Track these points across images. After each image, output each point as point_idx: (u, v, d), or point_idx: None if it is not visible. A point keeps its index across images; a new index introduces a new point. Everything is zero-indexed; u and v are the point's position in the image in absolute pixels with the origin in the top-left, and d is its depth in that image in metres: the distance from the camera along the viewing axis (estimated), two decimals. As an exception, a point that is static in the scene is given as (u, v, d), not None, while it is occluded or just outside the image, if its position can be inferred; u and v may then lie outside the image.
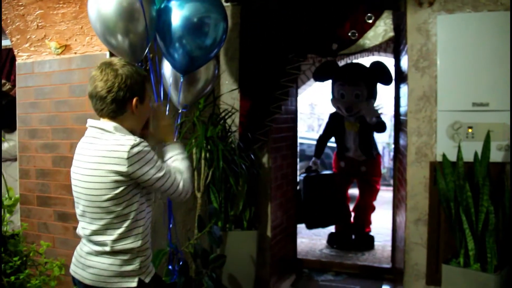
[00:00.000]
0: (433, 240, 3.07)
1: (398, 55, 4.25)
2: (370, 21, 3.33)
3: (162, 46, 2.66)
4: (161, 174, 1.86)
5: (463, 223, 2.68)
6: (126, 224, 1.83)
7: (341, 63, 5.85)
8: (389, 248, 4.96)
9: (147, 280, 1.91)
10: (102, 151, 1.80)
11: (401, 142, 3.88)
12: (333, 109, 5.52)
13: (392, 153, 6.89)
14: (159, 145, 2.09)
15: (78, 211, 1.92)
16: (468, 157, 2.76)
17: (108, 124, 1.86)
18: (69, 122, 3.05)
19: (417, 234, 3.13)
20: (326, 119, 5.79)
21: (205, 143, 3.40)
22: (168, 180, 1.89)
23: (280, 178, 4.29)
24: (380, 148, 6.83)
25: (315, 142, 5.82)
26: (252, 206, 3.76)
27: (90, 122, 1.92)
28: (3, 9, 3.10)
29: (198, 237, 3.23)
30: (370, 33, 3.37)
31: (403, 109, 3.63)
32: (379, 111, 5.34)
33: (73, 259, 1.97)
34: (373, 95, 5.24)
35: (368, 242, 5.39)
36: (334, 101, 5.37)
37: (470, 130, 2.95)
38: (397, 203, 4.19)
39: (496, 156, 2.89)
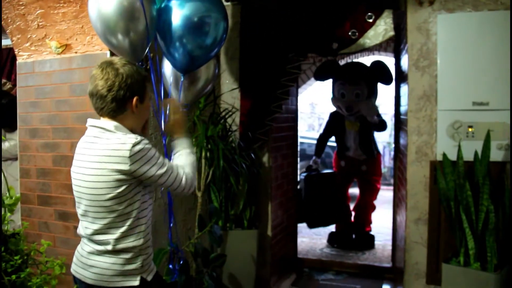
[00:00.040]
0: (433, 239, 3.07)
1: (399, 55, 4.25)
2: (370, 20, 3.33)
3: (162, 46, 2.67)
4: (163, 170, 1.87)
5: (463, 222, 2.68)
6: (128, 222, 1.84)
7: (341, 62, 5.85)
8: (389, 247, 4.96)
9: (149, 278, 1.92)
10: (104, 150, 1.80)
11: (402, 141, 3.88)
12: (334, 108, 5.52)
13: (392, 153, 6.88)
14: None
15: (79, 210, 1.92)
16: (468, 156, 2.76)
17: (108, 123, 1.86)
18: (70, 122, 3.06)
19: (417, 233, 3.13)
20: (326, 118, 5.79)
21: (205, 142, 3.41)
22: (171, 175, 1.91)
23: (281, 177, 4.29)
24: (380, 147, 6.84)
25: (315, 142, 5.83)
26: (253, 205, 3.76)
27: (90, 121, 1.92)
28: (3, 9, 3.11)
29: (199, 236, 3.24)
30: (370, 33, 3.36)
31: (403, 108, 3.63)
32: (378, 110, 5.35)
33: (74, 259, 1.97)
34: (373, 94, 5.24)
35: (368, 242, 5.40)
36: (335, 100, 5.37)
37: (470, 129, 2.95)
38: (398, 202, 4.19)
39: (496, 155, 2.89)
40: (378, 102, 5.44)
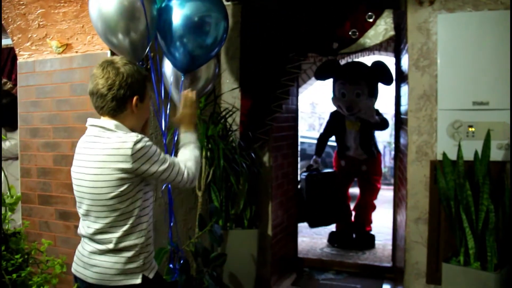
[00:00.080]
0: (433, 239, 3.08)
1: (399, 54, 4.26)
2: (371, 20, 3.33)
3: (163, 45, 2.67)
4: (165, 166, 1.89)
5: (463, 221, 2.69)
6: (130, 221, 1.85)
7: (342, 62, 5.85)
8: (389, 247, 4.96)
9: (151, 275, 1.93)
10: (105, 150, 1.80)
11: (402, 141, 3.89)
12: (334, 108, 5.52)
13: (393, 152, 6.89)
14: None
15: (81, 210, 1.92)
16: (468, 156, 2.76)
17: (109, 122, 1.87)
18: (70, 121, 3.06)
19: (417, 233, 3.13)
20: (327, 118, 5.80)
21: (205, 142, 3.41)
22: (173, 170, 1.92)
23: (281, 177, 4.30)
24: (381, 147, 6.85)
25: (316, 141, 5.83)
26: (253, 205, 3.77)
27: (91, 121, 1.92)
28: (4, 8, 3.11)
29: (199, 236, 3.24)
30: (371, 32, 3.36)
31: (403, 108, 3.63)
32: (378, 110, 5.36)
33: (75, 258, 1.98)
34: (374, 94, 5.25)
35: (368, 241, 5.40)
36: (335, 100, 5.37)
37: (470, 129, 2.95)
38: (398, 202, 4.19)
39: (496, 155, 2.89)
40: (377, 102, 5.43)
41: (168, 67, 2.86)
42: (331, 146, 6.99)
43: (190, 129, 2.20)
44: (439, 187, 2.84)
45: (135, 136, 1.81)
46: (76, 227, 2.03)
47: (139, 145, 1.79)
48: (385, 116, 5.47)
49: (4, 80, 4.36)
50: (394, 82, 4.78)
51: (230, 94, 3.95)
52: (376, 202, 5.63)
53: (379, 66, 5.10)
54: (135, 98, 1.87)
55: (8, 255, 2.16)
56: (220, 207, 3.58)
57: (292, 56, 3.59)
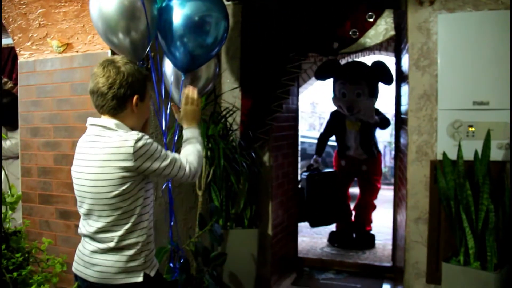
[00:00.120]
0: (433, 239, 3.08)
1: (399, 54, 4.26)
2: (371, 20, 3.33)
3: (163, 45, 2.67)
4: (167, 162, 1.90)
5: (463, 221, 2.69)
6: (132, 219, 1.85)
7: (342, 62, 5.85)
8: (389, 246, 4.96)
9: (152, 273, 1.93)
10: (106, 149, 1.81)
11: (402, 140, 3.89)
12: (335, 108, 5.53)
13: (393, 152, 6.89)
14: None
15: (82, 210, 1.92)
16: (468, 155, 2.77)
17: (109, 121, 1.87)
18: (71, 120, 3.06)
19: (417, 233, 3.14)
20: (327, 117, 5.80)
21: (206, 141, 3.41)
22: (175, 166, 1.93)
23: (281, 176, 4.30)
24: (381, 147, 6.85)
25: (316, 141, 5.84)
26: (253, 204, 3.77)
27: (91, 120, 1.93)
28: (5, 8, 3.12)
29: (199, 235, 3.24)
30: (371, 32, 3.36)
31: (403, 107, 3.63)
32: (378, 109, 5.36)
33: (76, 258, 1.98)
34: (374, 93, 5.25)
35: (369, 241, 5.40)
36: (336, 100, 5.38)
37: (470, 129, 2.95)
38: (398, 202, 4.20)
39: (497, 154, 2.89)
40: (378, 104, 5.44)
41: (168, 67, 2.87)
42: (332, 146, 7.00)
43: (192, 125, 2.21)
44: (439, 187, 2.84)
45: (135, 134, 1.82)
46: (77, 226, 2.03)
47: (140, 143, 1.80)
48: (385, 115, 5.47)
49: (4, 79, 4.37)
50: (394, 82, 4.78)
51: (231, 94, 3.96)
52: (376, 201, 5.64)
53: (380, 66, 5.10)
54: (135, 97, 1.88)
55: (9, 253, 2.17)
56: (220, 206, 3.58)
57: (293, 55, 3.60)
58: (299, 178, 5.17)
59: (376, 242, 5.46)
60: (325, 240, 5.63)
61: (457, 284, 2.70)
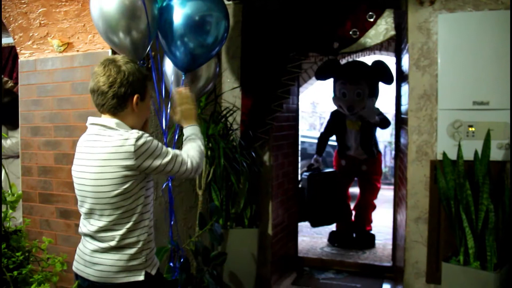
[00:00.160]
0: (433, 238, 3.08)
1: (399, 54, 4.26)
2: (371, 20, 3.33)
3: (164, 44, 2.68)
4: (168, 158, 1.90)
5: (463, 221, 2.69)
6: (134, 218, 1.86)
7: (342, 61, 5.85)
8: (390, 246, 4.97)
9: (153, 272, 1.94)
10: (107, 148, 1.81)
11: (402, 140, 3.89)
12: (335, 107, 5.53)
13: (393, 152, 6.90)
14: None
15: (83, 209, 1.92)
16: (468, 155, 2.77)
17: (110, 120, 1.88)
18: (72, 120, 3.07)
19: (417, 232, 3.14)
20: (327, 117, 5.81)
21: (206, 141, 3.42)
22: (176, 161, 1.93)
23: (281, 176, 4.30)
24: (381, 146, 6.85)
25: (316, 141, 5.84)
26: (253, 204, 3.77)
27: (91, 119, 1.93)
28: (6, 7, 3.12)
29: (199, 235, 3.24)
30: (371, 32, 3.36)
31: (404, 107, 3.64)
32: (379, 110, 5.36)
33: (76, 257, 1.98)
34: (374, 93, 5.25)
35: (369, 241, 5.40)
36: (336, 99, 5.38)
37: (470, 129, 2.95)
38: (398, 202, 4.20)
39: (497, 154, 2.89)
40: (379, 104, 5.44)
41: (169, 66, 2.87)
42: (332, 146, 7.00)
43: (191, 122, 2.22)
44: (439, 186, 2.84)
45: (136, 132, 1.82)
46: (77, 225, 2.03)
47: (141, 141, 1.80)
48: (386, 115, 5.47)
49: (5, 78, 4.37)
50: (394, 82, 4.78)
51: (231, 93, 3.96)
52: (376, 201, 5.64)
53: (380, 65, 5.11)
54: (135, 97, 1.88)
55: (9, 252, 2.17)
56: (220, 206, 3.58)
57: (293, 55, 3.60)
58: (299, 178, 5.17)
59: (376, 242, 5.46)
60: (325, 240, 5.64)
61: (457, 284, 2.71)
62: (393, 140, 8.37)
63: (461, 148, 2.78)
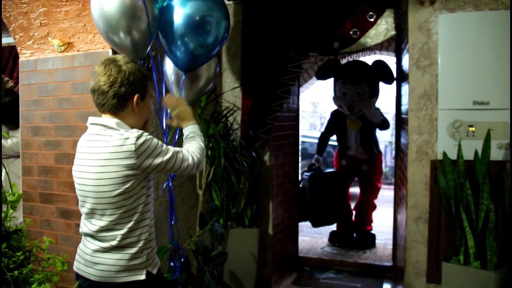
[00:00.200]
0: (433, 238, 3.08)
1: (400, 54, 4.26)
2: (372, 20, 3.34)
3: (164, 44, 2.68)
4: (169, 155, 1.90)
5: (463, 221, 2.69)
6: (135, 217, 1.86)
7: (343, 61, 5.86)
8: (390, 246, 4.97)
9: (154, 271, 1.94)
10: (108, 147, 1.81)
11: (402, 140, 3.89)
12: (336, 107, 5.53)
13: (394, 152, 6.91)
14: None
15: (84, 209, 1.93)
16: (468, 155, 2.77)
17: (110, 120, 1.88)
18: (72, 120, 3.07)
19: (417, 232, 3.14)
20: (328, 117, 5.81)
21: (207, 140, 3.42)
22: (177, 158, 1.94)
23: (282, 176, 4.30)
24: (382, 146, 6.85)
25: (317, 141, 5.85)
26: (254, 204, 3.77)
27: (92, 119, 1.93)
28: (6, 7, 3.12)
29: (200, 235, 3.25)
30: (372, 32, 3.36)
31: (404, 107, 3.64)
32: (381, 111, 5.36)
33: (77, 257, 1.99)
34: (375, 93, 5.25)
35: (369, 240, 5.40)
36: (336, 99, 5.38)
37: (470, 129, 2.96)
38: (398, 201, 4.20)
39: (497, 154, 2.89)
40: (379, 103, 5.44)
41: (169, 66, 2.87)
42: (332, 146, 7.01)
43: (189, 122, 2.22)
44: (439, 186, 2.84)
45: (136, 132, 1.83)
46: (77, 225, 2.04)
47: (141, 140, 1.81)
48: (386, 115, 5.47)
49: (5, 78, 4.37)
50: (394, 82, 4.78)
51: (231, 93, 3.96)
52: (376, 201, 5.64)
53: (380, 65, 5.11)
54: (136, 96, 1.89)
55: (10, 252, 2.17)
56: (221, 206, 3.58)
57: (293, 55, 3.60)
58: (299, 178, 5.17)
59: (377, 241, 5.46)
60: (325, 240, 5.64)
61: (457, 284, 2.71)
62: (393, 140, 8.38)
63: (461, 148, 2.78)
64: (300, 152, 5.71)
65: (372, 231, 5.55)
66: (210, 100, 3.62)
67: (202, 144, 2.12)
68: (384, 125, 5.35)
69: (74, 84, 3.06)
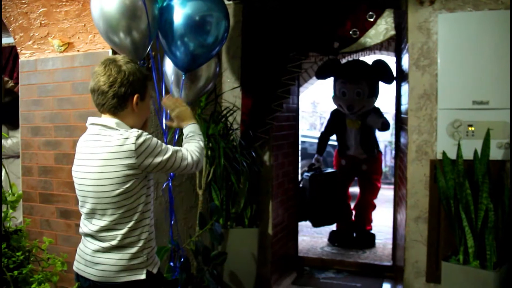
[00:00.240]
0: (433, 238, 3.08)
1: (399, 54, 4.26)
2: (371, 20, 3.34)
3: (164, 44, 2.68)
4: (169, 154, 1.91)
5: (463, 220, 2.69)
6: (135, 217, 1.87)
7: (342, 61, 5.86)
8: (390, 246, 4.97)
9: (154, 270, 1.95)
10: (108, 147, 1.82)
11: (402, 140, 3.90)
12: (335, 107, 5.53)
13: (394, 151, 6.91)
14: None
15: (84, 209, 1.93)
16: (468, 155, 2.77)
17: (110, 120, 1.88)
18: (72, 120, 3.07)
19: (417, 232, 3.14)
20: (328, 117, 5.81)
21: (206, 140, 3.42)
22: (177, 157, 1.94)
23: (281, 176, 4.30)
24: (382, 146, 6.85)
25: (317, 141, 5.85)
26: (253, 203, 3.77)
27: (91, 120, 1.94)
28: (6, 7, 3.12)
29: (200, 235, 3.25)
30: (371, 32, 3.37)
31: (404, 107, 3.64)
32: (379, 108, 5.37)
33: (77, 257, 1.98)
34: (374, 93, 5.25)
35: (369, 240, 5.41)
36: (336, 99, 5.38)
37: (470, 128, 2.96)
38: (398, 201, 4.20)
39: (496, 154, 2.90)
40: (379, 103, 5.44)
41: (169, 66, 2.88)
42: (332, 146, 7.01)
43: (189, 122, 2.23)
44: (439, 186, 2.85)
45: (136, 131, 1.84)
46: (77, 225, 2.04)
47: (141, 139, 1.81)
48: (386, 115, 5.47)
49: (5, 78, 4.37)
50: (394, 81, 4.78)
51: (231, 93, 3.96)
52: (376, 201, 5.64)
53: (380, 64, 5.10)
54: (135, 97, 1.89)
55: (10, 252, 2.18)
56: (220, 205, 3.59)
57: (293, 55, 3.60)
58: (299, 178, 5.17)
59: (376, 241, 5.46)
60: (325, 240, 5.64)
61: (457, 283, 2.71)
62: (393, 139, 8.38)
63: (461, 148, 2.78)
64: (300, 152, 5.72)
65: (372, 231, 5.55)
66: (210, 100, 3.62)
67: (202, 143, 2.13)
68: (385, 127, 5.35)
69: (74, 84, 3.06)
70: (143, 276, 1.88)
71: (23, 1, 3.05)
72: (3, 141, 3.70)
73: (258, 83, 3.76)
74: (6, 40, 4.25)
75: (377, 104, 5.40)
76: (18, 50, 3.27)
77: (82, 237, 1.98)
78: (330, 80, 5.47)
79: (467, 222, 2.69)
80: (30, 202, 3.25)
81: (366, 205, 5.53)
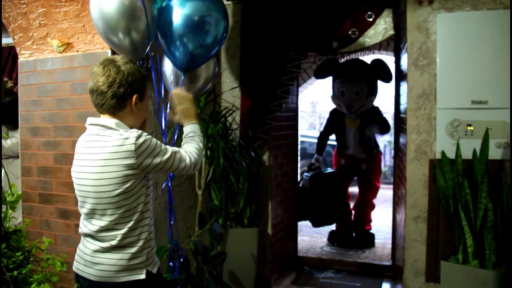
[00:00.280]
0: (432, 237, 3.09)
1: (398, 53, 4.26)
2: (370, 20, 3.34)
3: (163, 44, 2.68)
4: (168, 155, 1.91)
5: (462, 220, 2.70)
6: (135, 217, 1.87)
7: (341, 60, 5.86)
8: (389, 245, 4.97)
9: (154, 270, 1.95)
10: (108, 148, 1.82)
11: (401, 140, 3.90)
12: (334, 106, 5.53)
13: (393, 151, 6.91)
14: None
15: (84, 210, 1.93)
16: (467, 154, 2.78)
17: (109, 120, 1.88)
18: (71, 120, 3.07)
19: (416, 231, 3.15)
20: (327, 117, 5.82)
21: (206, 140, 3.42)
22: (175, 157, 1.94)
23: (281, 176, 4.31)
24: (381, 146, 6.85)
25: (316, 140, 5.85)
26: (253, 203, 3.78)
27: (91, 120, 1.94)
28: (5, 7, 3.12)
29: (199, 234, 3.25)
30: (370, 32, 3.37)
31: (402, 107, 3.64)
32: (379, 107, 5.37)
33: (77, 257, 1.98)
34: (373, 92, 5.25)
35: (368, 240, 5.41)
36: (335, 98, 5.39)
37: (469, 128, 2.96)
38: (397, 201, 4.20)
39: (495, 153, 2.90)
40: (377, 103, 5.44)
41: (168, 66, 2.88)
42: (332, 145, 7.02)
43: (191, 121, 2.22)
44: (438, 185, 2.85)
45: (135, 131, 1.84)
46: (77, 225, 2.04)
47: (141, 140, 1.81)
48: (385, 114, 5.47)
49: (5, 79, 4.38)
50: (393, 81, 4.79)
51: (230, 93, 3.97)
52: (376, 201, 5.65)
53: (379, 64, 5.11)
54: (134, 97, 1.89)
55: (9, 252, 2.18)
56: (220, 205, 3.59)
57: (292, 55, 3.60)
58: (299, 178, 5.17)
59: (376, 241, 5.46)
60: (324, 239, 5.64)
61: (456, 282, 2.71)
62: (392, 139, 8.39)
63: (460, 147, 2.78)
64: (299, 152, 5.72)
65: (371, 231, 5.56)
66: (209, 100, 3.63)
67: (201, 145, 2.13)
68: (385, 131, 5.35)
69: (73, 84, 3.06)
70: (142, 276, 1.88)
71: (22, 2, 3.05)
72: (2, 141, 3.70)
73: (257, 83, 3.76)
74: (5, 41, 4.25)
75: (376, 103, 5.40)
76: (17, 51, 3.27)
77: (82, 237, 1.98)
78: (329, 79, 5.48)
79: (466, 221, 2.69)
80: (29, 203, 3.25)
81: (366, 204, 5.53)
